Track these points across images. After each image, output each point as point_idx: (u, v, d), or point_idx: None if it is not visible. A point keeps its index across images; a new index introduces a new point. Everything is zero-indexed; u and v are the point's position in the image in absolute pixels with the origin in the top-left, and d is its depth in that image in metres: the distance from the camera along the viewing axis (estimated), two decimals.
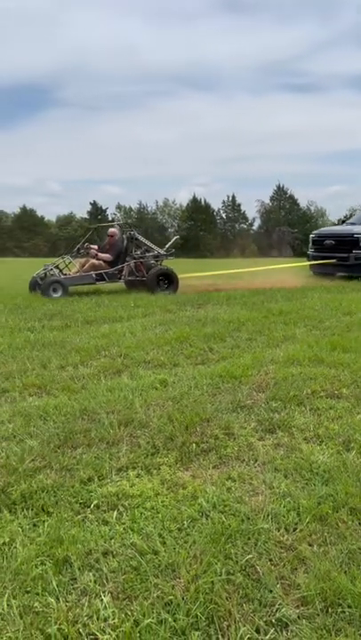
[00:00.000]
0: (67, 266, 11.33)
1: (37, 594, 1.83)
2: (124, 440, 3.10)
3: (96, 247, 11.52)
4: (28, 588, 1.86)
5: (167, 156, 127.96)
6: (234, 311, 7.71)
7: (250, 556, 1.99)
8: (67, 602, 1.79)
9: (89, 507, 2.41)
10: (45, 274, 10.91)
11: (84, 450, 2.99)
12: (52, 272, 10.85)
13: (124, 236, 11.66)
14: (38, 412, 3.58)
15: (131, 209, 69.94)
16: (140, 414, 3.45)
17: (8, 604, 1.77)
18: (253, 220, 72.26)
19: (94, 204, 69.25)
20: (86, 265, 11.12)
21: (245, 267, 15.60)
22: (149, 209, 70.28)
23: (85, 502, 2.45)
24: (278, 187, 71.72)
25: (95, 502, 2.43)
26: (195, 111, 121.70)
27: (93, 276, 10.93)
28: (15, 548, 2.09)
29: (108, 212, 69.34)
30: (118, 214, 69.80)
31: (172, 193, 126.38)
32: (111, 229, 11.81)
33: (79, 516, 2.33)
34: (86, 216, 68.04)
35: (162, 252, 11.77)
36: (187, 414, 3.38)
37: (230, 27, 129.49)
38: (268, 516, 2.26)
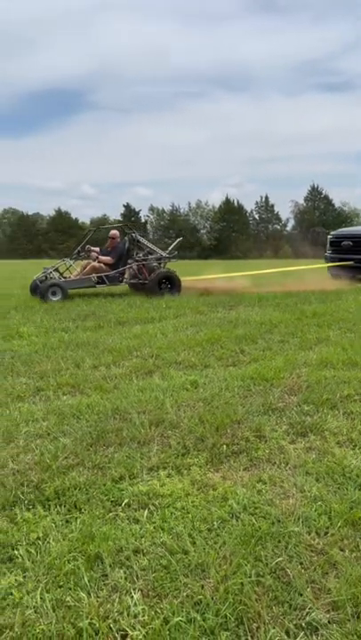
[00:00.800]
0: (68, 269, 11.15)
1: (69, 588, 1.87)
2: (155, 440, 3.13)
3: (97, 249, 11.24)
4: (61, 583, 1.90)
5: (199, 157, 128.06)
6: (266, 313, 7.66)
7: (280, 558, 1.98)
8: (98, 597, 1.83)
9: (120, 505, 2.44)
10: (46, 277, 10.68)
11: (115, 449, 3.03)
12: (51, 275, 10.67)
13: (126, 237, 11.40)
14: (72, 410, 3.64)
15: (163, 211, 70.31)
16: (170, 415, 3.47)
17: (41, 598, 1.82)
18: (287, 220, 71.61)
19: (127, 207, 69.94)
20: (87, 268, 10.90)
21: (270, 267, 15.33)
22: (182, 210, 70.46)
23: (117, 500, 2.48)
24: (313, 187, 70.90)
25: (126, 501, 2.46)
26: (227, 112, 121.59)
27: (93, 279, 10.65)
28: (48, 543, 2.14)
29: (142, 213, 69.93)
30: (151, 216, 70.26)
31: (205, 194, 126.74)
32: (112, 231, 11.54)
33: (110, 514, 2.36)
34: (120, 218, 68.85)
35: (164, 254, 11.41)
36: (217, 416, 3.39)
37: (263, 27, 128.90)
38: (298, 519, 2.24)
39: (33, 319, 7.57)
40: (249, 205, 78.05)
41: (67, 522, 2.32)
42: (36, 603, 1.80)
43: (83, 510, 2.40)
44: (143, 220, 69.50)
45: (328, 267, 14.70)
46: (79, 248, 11.21)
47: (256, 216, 71.74)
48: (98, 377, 4.52)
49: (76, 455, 2.95)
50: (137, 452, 2.96)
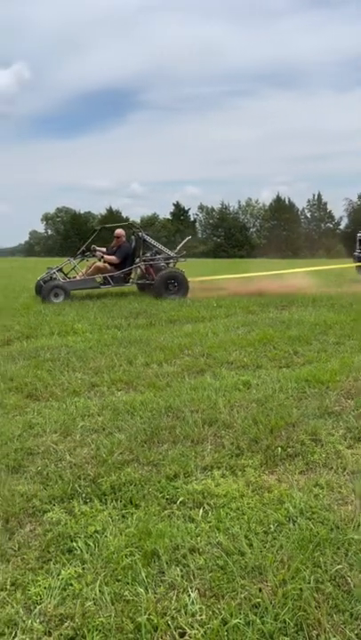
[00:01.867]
0: (73, 268, 10.66)
1: (127, 583, 1.90)
2: (209, 439, 3.13)
3: (103, 249, 10.76)
4: (119, 577, 1.93)
5: (249, 155, 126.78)
6: (320, 313, 7.50)
7: (340, 566, 1.93)
8: (155, 593, 1.84)
9: (175, 503, 2.45)
10: (51, 277, 10.21)
11: (169, 446, 3.05)
12: (54, 276, 10.22)
13: (133, 237, 10.94)
14: (126, 406, 3.70)
15: (212, 209, 70.06)
16: (223, 415, 3.46)
17: (100, 590, 1.85)
18: (340, 219, 69.70)
19: (177, 205, 70.17)
20: (91, 268, 10.49)
21: (304, 266, 14.83)
22: (231, 209, 70.04)
23: (172, 498, 2.50)
24: None
25: (181, 499, 2.47)
26: (277, 109, 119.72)
27: (97, 279, 10.26)
28: (106, 537, 2.18)
29: (191, 212, 69.95)
30: (200, 214, 70.21)
31: (255, 192, 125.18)
32: (117, 230, 10.95)
33: (166, 511, 2.38)
34: (169, 217, 69.19)
35: (172, 253, 10.80)
36: (272, 417, 3.34)
37: (314, 22, 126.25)
38: (358, 526, 2.18)
39: (87, 316, 7.73)
40: (300, 203, 76.63)
41: (123, 517, 2.36)
42: (95, 595, 1.83)
43: (138, 506, 2.43)
44: (192, 219, 69.62)
45: (356, 266, 14.06)
46: (84, 247, 10.74)
47: (308, 214, 70.34)
48: (150, 374, 4.56)
49: (130, 451, 2.99)
50: (191, 451, 2.97)
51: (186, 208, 70.06)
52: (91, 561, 2.03)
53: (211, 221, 68.98)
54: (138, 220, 71.26)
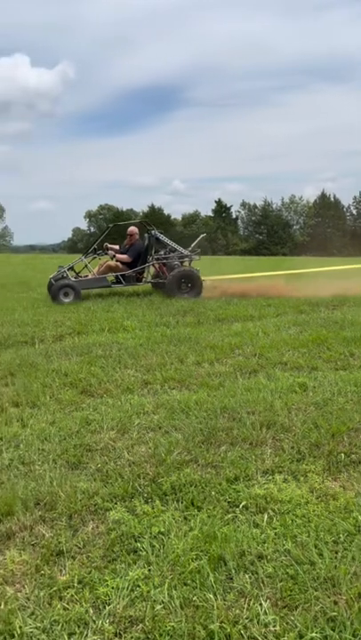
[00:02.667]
0: (85, 267, 10.23)
1: (195, 588, 1.87)
2: (268, 442, 3.07)
3: (117, 247, 10.35)
4: (187, 581, 1.90)
5: (293, 151, 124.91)
6: None
7: None
8: (225, 600, 1.81)
9: (237, 506, 2.41)
10: (62, 276, 9.83)
11: (227, 448, 3.01)
12: (65, 274, 9.82)
13: (146, 235, 10.49)
14: (180, 405, 3.67)
15: (255, 206, 69.36)
16: (281, 417, 3.38)
17: (169, 594, 1.83)
18: None
19: (219, 202, 69.85)
20: (103, 266, 10.11)
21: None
22: (274, 206, 69.13)
23: (234, 502, 2.45)
24: None
25: (244, 503, 2.42)
26: (325, 104, 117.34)
27: (108, 278, 9.91)
28: (170, 539, 2.16)
29: (233, 209, 69.47)
30: (242, 211, 69.62)
31: (298, 189, 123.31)
32: (130, 228, 10.60)
33: (229, 515, 2.34)
34: (211, 214, 68.97)
35: (186, 252, 10.38)
36: (332, 422, 3.25)
37: None
38: None
39: (135, 313, 7.77)
40: (346, 200, 74.87)
41: (185, 519, 2.33)
42: (164, 598, 1.81)
43: (200, 508, 2.40)
44: (234, 216, 69.13)
45: None
46: (95, 245, 10.35)
47: (354, 211, 68.65)
48: (202, 373, 4.53)
49: (188, 451, 2.97)
50: (250, 454, 2.92)
51: (228, 205, 69.65)
52: (157, 563, 2.02)
53: (253, 218, 68.33)
54: (179, 218, 71.39)
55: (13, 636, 1.70)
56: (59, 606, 1.83)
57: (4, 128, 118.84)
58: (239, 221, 69.70)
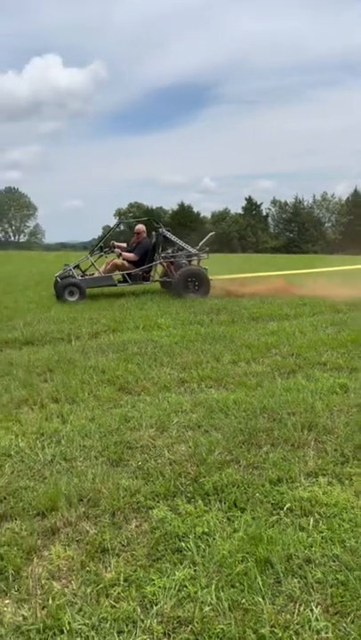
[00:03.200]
0: (91, 265, 10.01)
1: (243, 590, 1.85)
2: (310, 444, 3.01)
3: (124, 245, 10.17)
4: (234, 583, 1.88)
5: (325, 148, 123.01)
6: None
7: None
8: (274, 604, 1.78)
9: (282, 509, 2.37)
10: (68, 275, 9.65)
11: (269, 449, 2.97)
12: (70, 273, 9.64)
13: (153, 233, 10.31)
14: (218, 405, 3.65)
15: (286, 203, 68.58)
16: (323, 419, 3.32)
17: (217, 596, 1.81)
18: None
19: (249, 200, 69.33)
20: (109, 265, 9.88)
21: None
22: (305, 203, 68.22)
23: (278, 504, 2.42)
24: None
25: (288, 505, 2.39)
26: (358, 100, 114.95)
27: (114, 277, 9.73)
28: (215, 539, 2.14)
29: (263, 206, 68.86)
30: (273, 209, 68.93)
31: (331, 186, 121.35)
32: (138, 226, 10.35)
33: (273, 517, 2.30)
34: (240, 211, 68.49)
35: (194, 250, 10.14)
36: None
37: None
38: None
39: (169, 311, 7.77)
40: None
41: (229, 519, 2.31)
42: (212, 600, 1.80)
43: (244, 510, 2.37)
44: (265, 213, 68.52)
45: None
46: (101, 243, 10.12)
47: None
48: (239, 373, 4.49)
49: (229, 451, 2.94)
50: (292, 455, 2.87)
51: (258, 202, 69.09)
52: (202, 563, 2.00)
53: (284, 216, 67.61)
54: (209, 216, 71.17)
55: (62, 632, 1.71)
56: (106, 603, 1.83)
57: (36, 128, 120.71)
58: (270, 219, 69.06)
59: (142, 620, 1.74)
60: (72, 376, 4.44)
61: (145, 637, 1.68)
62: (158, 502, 2.45)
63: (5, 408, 3.70)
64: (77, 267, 9.96)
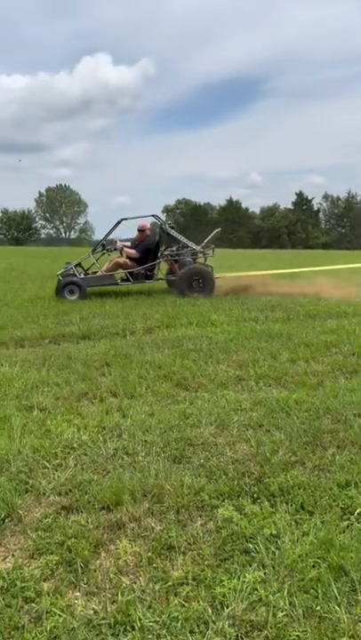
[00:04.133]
0: (95, 262, 9.76)
1: (316, 597, 1.78)
2: None
3: (128, 243, 9.86)
4: (307, 589, 1.82)
5: None
6: None
7: None
8: (350, 614, 1.71)
9: (352, 514, 2.29)
10: (69, 273, 9.45)
11: (335, 451, 2.87)
12: (71, 271, 9.42)
13: (157, 230, 10.04)
14: (279, 404, 3.57)
15: (338, 198, 66.92)
16: None
17: (290, 602, 1.76)
18: None
19: (299, 195, 68.04)
20: (111, 263, 9.60)
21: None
22: (358, 198, 66.27)
23: (347, 508, 2.33)
24: None
25: (358, 510, 2.30)
26: None
27: (116, 275, 9.47)
28: (284, 542, 2.08)
29: (314, 202, 67.45)
30: (324, 204, 67.41)
31: None
32: (141, 223, 10.00)
33: (344, 523, 2.22)
34: (290, 206, 67.36)
35: (198, 248, 9.75)
36: None
37: None
38: None
39: (221, 307, 7.72)
40: None
41: (297, 522, 2.24)
42: (285, 605, 1.74)
43: (312, 513, 2.30)
44: (316, 209, 67.09)
45: None
46: (104, 241, 9.80)
47: None
48: (298, 372, 4.38)
49: (293, 452, 2.87)
50: (360, 458, 2.77)
51: (309, 197, 67.72)
52: (272, 566, 1.95)
53: (336, 211, 66.03)
54: (257, 211, 70.33)
55: (134, 628, 1.71)
56: (175, 602, 1.81)
57: (85, 126, 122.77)
58: (321, 214, 67.58)
59: (214, 622, 1.71)
60: (129, 371, 4.46)
61: (217, 639, 1.65)
62: (223, 501, 2.42)
63: (67, 401, 3.76)
64: (79, 265, 9.78)
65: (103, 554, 2.11)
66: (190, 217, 69.67)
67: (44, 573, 1.98)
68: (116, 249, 9.64)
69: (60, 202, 78.30)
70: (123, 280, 9.57)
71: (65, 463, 2.80)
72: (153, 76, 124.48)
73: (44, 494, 2.50)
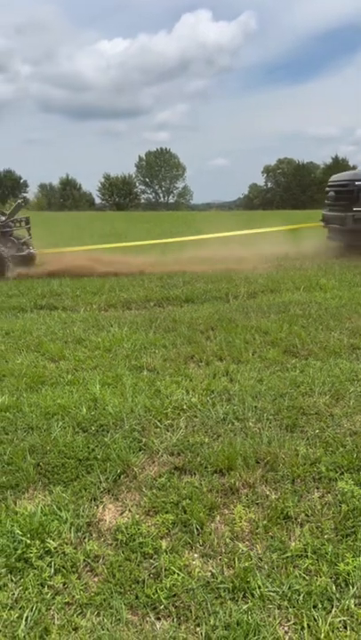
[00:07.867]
0: None
1: None
2: None
3: None
4: None
5: None
6: None
7: None
8: None
9: None
10: None
11: None
12: None
13: None
14: None
15: None
16: None
17: None
18: None
19: None
20: None
21: None
22: None
23: None
24: None
25: None
26: None
27: None
28: None
29: None
30: None
31: None
32: None
33: None
34: None
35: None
36: None
37: None
38: None
39: (331, 271, 7.34)
40: None
41: None
42: None
43: None
44: None
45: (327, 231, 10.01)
46: None
47: None
48: None
49: None
50: None
51: None
52: None
53: None
54: None
55: (253, 596, 1.67)
56: (296, 574, 1.75)
57: (184, 87, 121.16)
58: None
59: (338, 600, 1.63)
60: (234, 335, 4.38)
61: (343, 618, 1.56)
62: (342, 475, 2.29)
63: (174, 363, 3.78)
64: None
65: (218, 517, 2.09)
66: (292, 177, 67.00)
67: (160, 531, 2.00)
68: None
69: (160, 166, 78.70)
70: None
71: (176, 424, 2.81)
72: (254, 30, 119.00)
73: (158, 453, 2.53)
